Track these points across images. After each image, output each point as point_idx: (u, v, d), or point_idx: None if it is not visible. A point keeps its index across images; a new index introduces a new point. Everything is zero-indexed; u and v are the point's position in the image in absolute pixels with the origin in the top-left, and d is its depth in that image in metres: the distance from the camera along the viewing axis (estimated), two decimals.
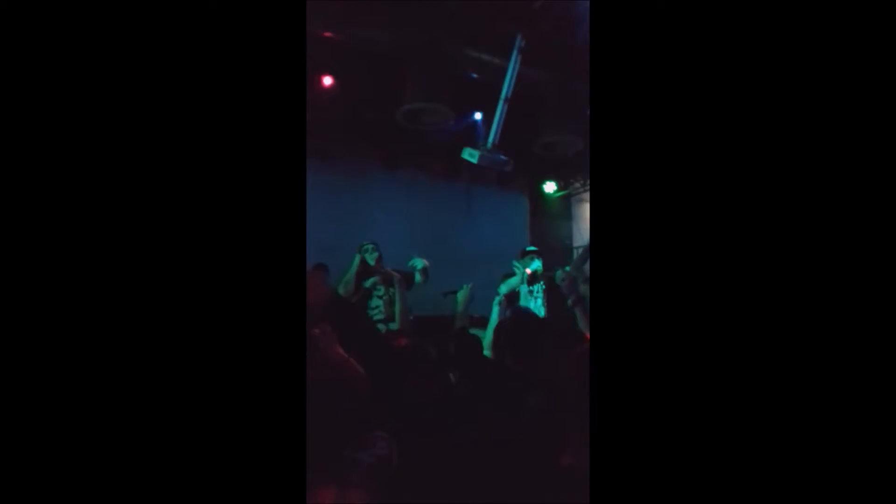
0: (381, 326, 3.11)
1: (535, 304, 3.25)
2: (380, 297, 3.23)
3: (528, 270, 3.22)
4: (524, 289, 3.27)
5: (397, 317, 2.59)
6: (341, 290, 3.14)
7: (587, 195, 5.99)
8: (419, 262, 3.16)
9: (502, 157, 3.36)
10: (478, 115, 4.11)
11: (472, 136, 4.00)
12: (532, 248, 3.34)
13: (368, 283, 3.22)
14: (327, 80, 3.70)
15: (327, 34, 3.52)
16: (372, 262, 3.22)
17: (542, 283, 3.25)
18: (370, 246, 3.26)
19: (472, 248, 4.25)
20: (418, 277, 3.21)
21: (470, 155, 3.38)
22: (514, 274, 3.26)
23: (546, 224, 5.64)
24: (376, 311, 3.20)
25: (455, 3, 3.44)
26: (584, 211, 6.11)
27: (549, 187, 5.14)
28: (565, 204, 5.90)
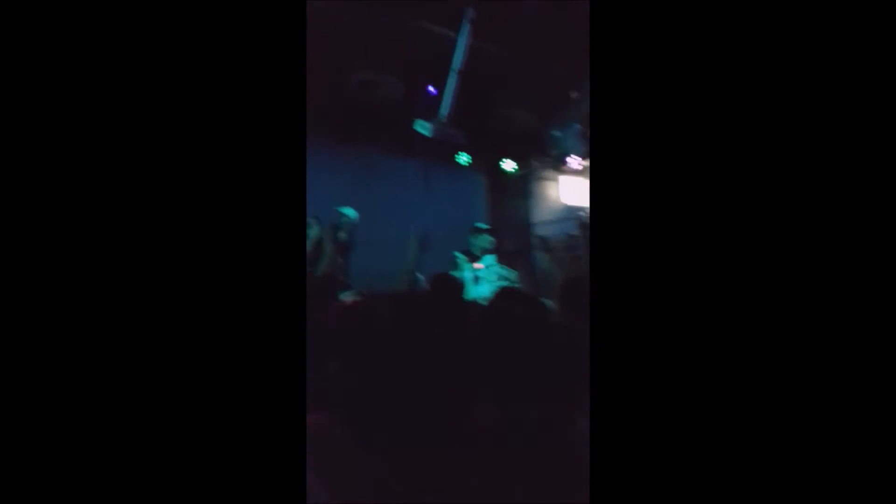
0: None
1: (484, 285, 3.26)
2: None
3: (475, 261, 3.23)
4: (468, 275, 3.28)
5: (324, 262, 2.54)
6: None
7: (545, 173, 6.03)
8: (350, 212, 3.06)
9: (455, 130, 3.33)
10: (432, 89, 4.04)
11: (427, 109, 3.94)
12: (482, 224, 3.35)
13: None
14: None
15: None
16: (311, 237, 3.14)
17: (494, 260, 3.28)
18: (312, 220, 3.17)
19: (430, 226, 4.23)
20: (342, 233, 3.12)
21: (422, 127, 3.34)
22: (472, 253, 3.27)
23: (505, 202, 5.66)
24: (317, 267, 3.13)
25: None
26: (542, 189, 6.16)
27: (508, 165, 5.14)
28: (524, 182, 5.92)
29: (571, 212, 6.29)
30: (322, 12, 3.50)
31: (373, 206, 4.61)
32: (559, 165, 5.71)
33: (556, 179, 6.30)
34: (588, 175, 6.52)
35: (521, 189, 5.87)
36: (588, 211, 6.42)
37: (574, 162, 5.39)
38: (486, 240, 3.26)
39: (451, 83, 3.33)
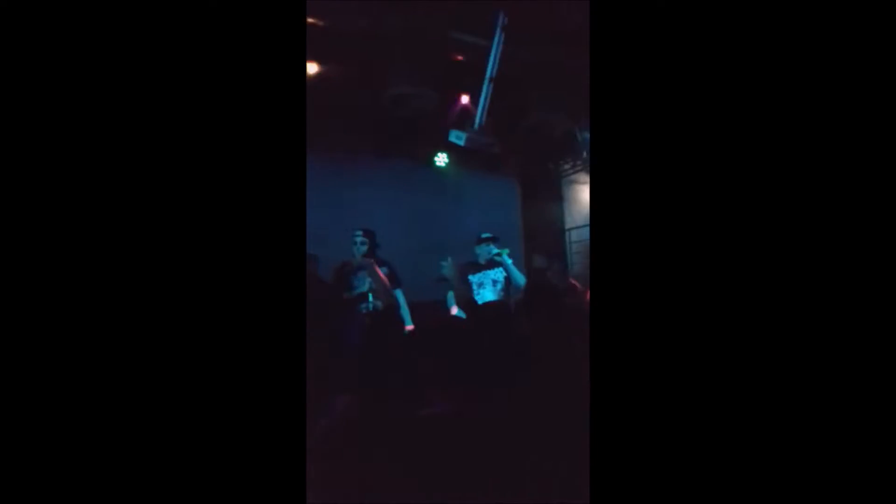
0: (363, 305, 3.08)
1: (487, 290, 3.25)
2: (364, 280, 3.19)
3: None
4: (476, 278, 3.27)
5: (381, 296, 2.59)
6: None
7: (577, 176, 5.97)
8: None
9: (490, 139, 3.33)
10: (465, 98, 4.07)
11: (461, 119, 3.96)
12: (487, 234, 3.33)
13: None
14: (311, 68, 3.64)
15: (309, 20, 3.47)
16: (359, 255, 3.17)
17: (499, 268, 3.25)
18: (359, 237, 3.20)
19: (462, 234, 4.23)
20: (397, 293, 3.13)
21: (457, 137, 3.35)
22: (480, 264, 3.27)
23: (538, 206, 5.62)
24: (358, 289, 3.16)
25: None
26: (575, 192, 6.09)
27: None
28: (556, 186, 5.87)
29: None
30: (353, 29, 3.58)
31: (408, 217, 4.66)
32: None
33: (588, 183, 6.25)
34: None
35: (555, 193, 5.83)
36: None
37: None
38: (489, 249, 3.24)
39: (485, 91, 3.34)
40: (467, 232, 3.83)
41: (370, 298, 2.94)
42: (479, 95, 3.35)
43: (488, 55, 3.40)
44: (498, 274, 3.26)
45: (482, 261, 3.30)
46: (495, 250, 3.25)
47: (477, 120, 3.35)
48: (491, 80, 3.32)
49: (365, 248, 3.15)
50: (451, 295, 3.23)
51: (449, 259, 2.89)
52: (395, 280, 3.10)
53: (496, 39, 3.32)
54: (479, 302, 3.20)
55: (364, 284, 2.95)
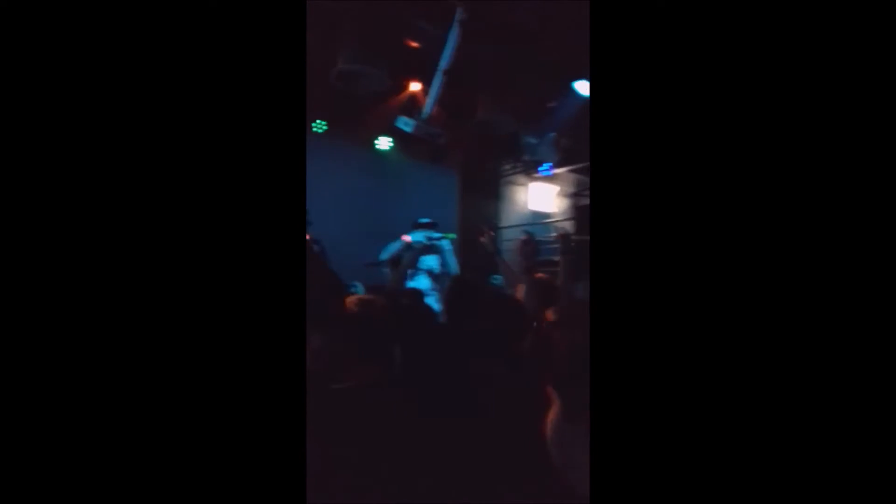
0: None
1: (422, 278, 3.29)
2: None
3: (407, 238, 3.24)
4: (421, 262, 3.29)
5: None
6: None
7: (515, 178, 6.15)
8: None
9: (436, 129, 3.35)
10: (414, 85, 4.04)
11: (408, 106, 3.93)
12: (425, 220, 3.35)
13: None
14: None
15: None
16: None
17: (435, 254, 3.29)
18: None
19: (401, 220, 4.23)
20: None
21: (405, 124, 3.34)
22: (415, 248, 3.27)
23: (476, 202, 5.73)
24: None
25: None
26: (512, 193, 6.28)
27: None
28: (496, 184, 6.02)
29: (538, 217, 6.46)
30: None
31: (346, 197, 4.56)
32: (531, 172, 5.84)
33: (526, 185, 6.45)
34: (557, 182, 6.71)
35: (493, 191, 5.97)
36: (553, 217, 6.61)
37: (545, 169, 5.52)
38: (425, 234, 3.28)
39: (437, 82, 3.34)
40: (405, 217, 3.82)
41: None
42: (431, 85, 3.34)
43: (443, 46, 3.40)
44: (432, 261, 3.29)
45: (417, 245, 3.31)
46: (437, 235, 3.26)
47: (426, 109, 3.34)
48: (444, 72, 3.33)
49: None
50: (358, 286, 3.20)
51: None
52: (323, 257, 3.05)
53: (452, 32, 3.33)
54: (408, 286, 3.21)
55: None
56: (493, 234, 2.78)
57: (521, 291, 1.82)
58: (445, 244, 3.21)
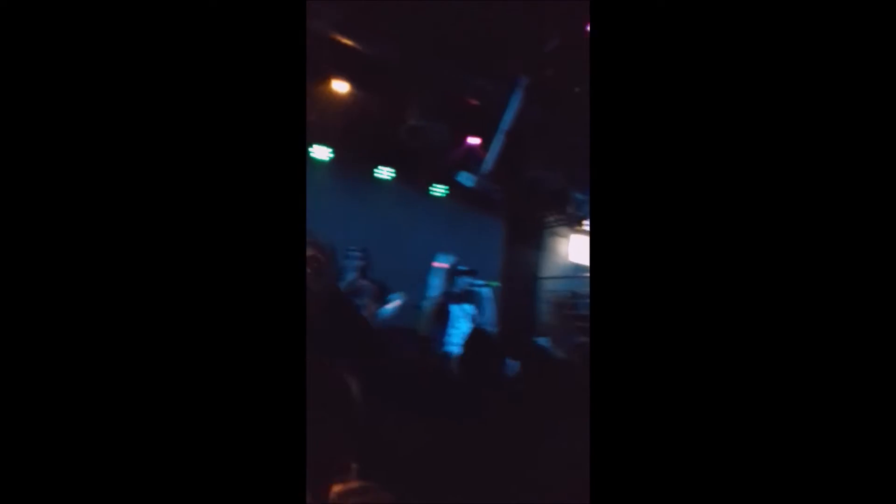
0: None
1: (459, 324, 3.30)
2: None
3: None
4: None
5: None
6: None
7: (558, 229, 6.28)
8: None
9: (495, 185, 3.55)
10: (473, 140, 4.30)
11: (465, 159, 4.18)
12: (463, 267, 3.40)
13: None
14: (340, 86, 3.79)
15: (344, 40, 3.63)
16: (352, 271, 3.23)
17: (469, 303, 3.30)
18: (357, 253, 3.27)
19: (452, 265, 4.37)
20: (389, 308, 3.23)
21: (466, 179, 3.56)
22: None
23: (519, 251, 5.87)
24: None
25: (466, 29, 3.63)
26: (555, 244, 6.40)
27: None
28: (541, 236, 6.16)
29: (577, 269, 6.52)
30: (386, 57, 3.76)
31: (398, 239, 4.79)
32: (576, 225, 5.98)
33: (567, 237, 6.56)
34: None
35: (538, 242, 6.10)
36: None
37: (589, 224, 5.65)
38: (464, 281, 3.31)
39: (498, 141, 3.58)
40: (453, 262, 3.93)
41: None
42: (492, 143, 3.57)
43: (500, 103, 3.64)
44: (467, 309, 3.30)
45: (457, 290, 3.33)
46: (479, 282, 3.29)
47: (486, 165, 3.56)
48: (505, 133, 3.56)
49: (356, 263, 3.21)
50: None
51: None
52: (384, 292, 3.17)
53: (515, 97, 3.58)
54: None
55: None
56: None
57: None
58: (486, 292, 3.25)
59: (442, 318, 3.05)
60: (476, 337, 1.80)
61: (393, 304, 3.26)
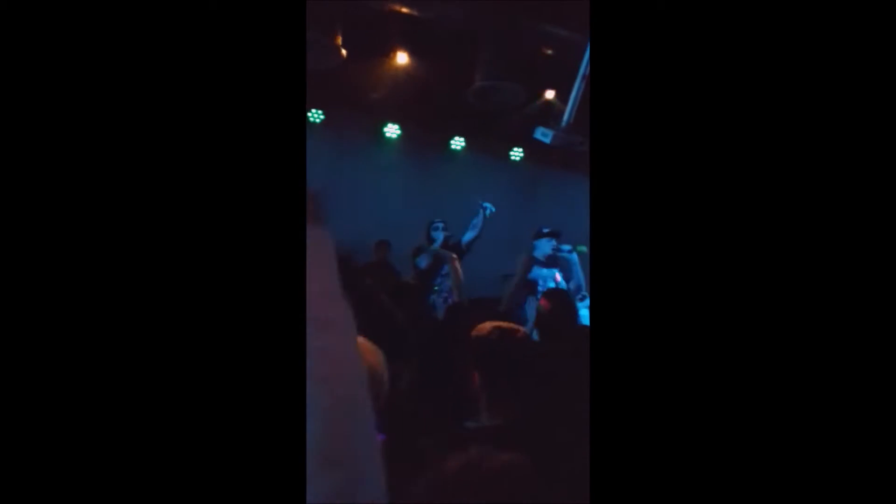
0: (438, 303, 3.14)
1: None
2: (444, 276, 3.25)
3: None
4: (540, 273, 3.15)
5: (455, 292, 2.61)
6: (422, 265, 3.18)
7: None
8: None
9: (578, 137, 3.27)
10: (550, 94, 4.01)
11: (544, 115, 3.91)
12: (547, 228, 3.19)
13: (422, 263, 3.22)
14: (402, 57, 3.70)
15: (403, 9, 3.51)
16: (439, 241, 3.25)
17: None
18: (441, 224, 3.28)
19: (531, 229, 4.21)
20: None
21: (543, 135, 3.31)
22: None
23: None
24: (440, 289, 3.23)
25: None
26: None
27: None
28: None
29: None
30: (445, 19, 3.59)
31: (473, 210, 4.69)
32: None
33: None
34: None
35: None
36: None
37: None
38: (550, 244, 3.11)
39: (577, 88, 3.27)
40: (535, 225, 3.78)
41: (446, 291, 3.00)
42: (570, 92, 3.28)
43: (580, 51, 3.32)
44: (551, 274, 3.16)
45: (541, 256, 3.19)
46: (566, 247, 3.14)
47: (566, 117, 3.28)
48: (584, 77, 3.24)
49: (443, 234, 3.21)
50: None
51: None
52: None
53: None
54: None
55: (446, 280, 3.00)
56: None
57: None
58: (573, 257, 3.06)
59: (526, 288, 2.94)
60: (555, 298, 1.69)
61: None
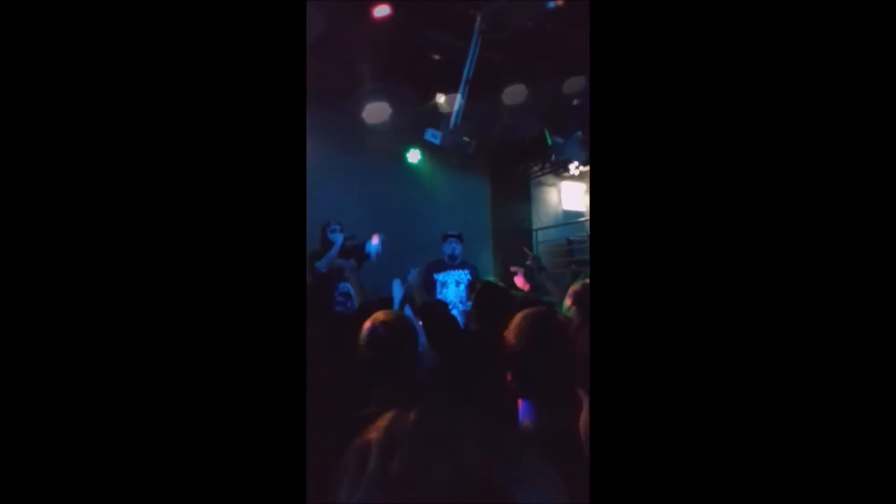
0: (340, 308, 3.10)
1: (450, 290, 3.29)
2: (345, 280, 3.20)
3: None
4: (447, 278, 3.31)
5: (356, 298, 2.61)
6: (323, 269, 3.09)
7: (545, 178, 6.13)
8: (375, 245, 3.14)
9: (465, 139, 3.40)
10: (440, 97, 4.11)
11: (435, 117, 4.01)
12: (452, 232, 3.37)
13: (322, 268, 3.16)
14: None
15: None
16: (339, 243, 3.20)
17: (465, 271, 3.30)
18: (337, 227, 3.22)
19: (432, 231, 4.28)
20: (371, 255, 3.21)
21: (432, 136, 3.40)
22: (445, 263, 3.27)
23: (507, 207, 5.74)
24: (343, 294, 3.18)
25: None
26: (543, 194, 6.25)
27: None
28: (526, 187, 6.01)
29: (570, 216, 6.40)
30: (328, 24, 3.55)
31: (377, 209, 4.67)
32: (560, 171, 5.82)
33: (556, 185, 6.41)
34: (587, 180, 6.64)
35: (524, 194, 5.96)
36: (587, 216, 6.54)
37: (574, 168, 5.49)
38: (453, 245, 3.29)
39: (462, 92, 3.40)
40: (437, 229, 3.87)
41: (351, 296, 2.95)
42: (455, 96, 3.40)
43: (465, 57, 3.46)
44: (462, 275, 3.30)
45: (446, 258, 3.33)
46: (459, 248, 3.27)
47: (452, 120, 3.40)
48: (467, 81, 3.38)
49: (342, 237, 3.16)
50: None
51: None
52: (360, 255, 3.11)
53: (473, 42, 3.38)
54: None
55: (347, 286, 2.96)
56: (535, 256, 2.78)
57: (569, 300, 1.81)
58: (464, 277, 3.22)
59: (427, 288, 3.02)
60: (486, 289, 1.77)
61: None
